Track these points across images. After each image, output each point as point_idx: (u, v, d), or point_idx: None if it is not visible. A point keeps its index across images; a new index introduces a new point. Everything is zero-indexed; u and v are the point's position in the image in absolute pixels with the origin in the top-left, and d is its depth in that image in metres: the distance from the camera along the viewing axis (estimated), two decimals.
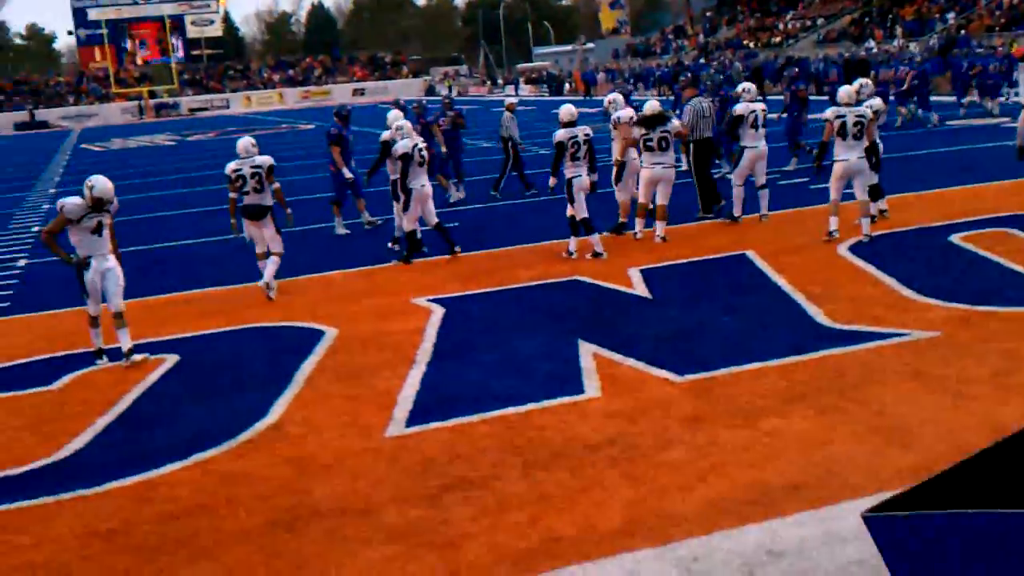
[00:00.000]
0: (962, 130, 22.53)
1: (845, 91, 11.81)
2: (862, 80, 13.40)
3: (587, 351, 8.05)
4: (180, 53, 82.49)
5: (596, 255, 11.60)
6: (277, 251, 10.98)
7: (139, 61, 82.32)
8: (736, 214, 13.12)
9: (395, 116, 13.08)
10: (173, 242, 15.50)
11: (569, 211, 11.75)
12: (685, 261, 11.26)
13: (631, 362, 7.71)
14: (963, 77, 27.50)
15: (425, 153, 11.97)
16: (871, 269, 10.09)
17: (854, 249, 11.06)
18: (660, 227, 12.33)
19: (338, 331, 9.31)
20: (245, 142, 11.25)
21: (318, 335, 9.17)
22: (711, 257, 11.37)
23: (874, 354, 7.51)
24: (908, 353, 7.47)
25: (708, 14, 70.92)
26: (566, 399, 7.00)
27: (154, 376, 8.39)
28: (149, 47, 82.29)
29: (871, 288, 9.43)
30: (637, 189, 12.76)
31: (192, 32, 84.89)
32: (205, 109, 72.92)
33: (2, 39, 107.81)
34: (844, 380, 6.96)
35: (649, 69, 54.88)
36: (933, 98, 25.73)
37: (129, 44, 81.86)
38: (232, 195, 11.16)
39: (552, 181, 11.88)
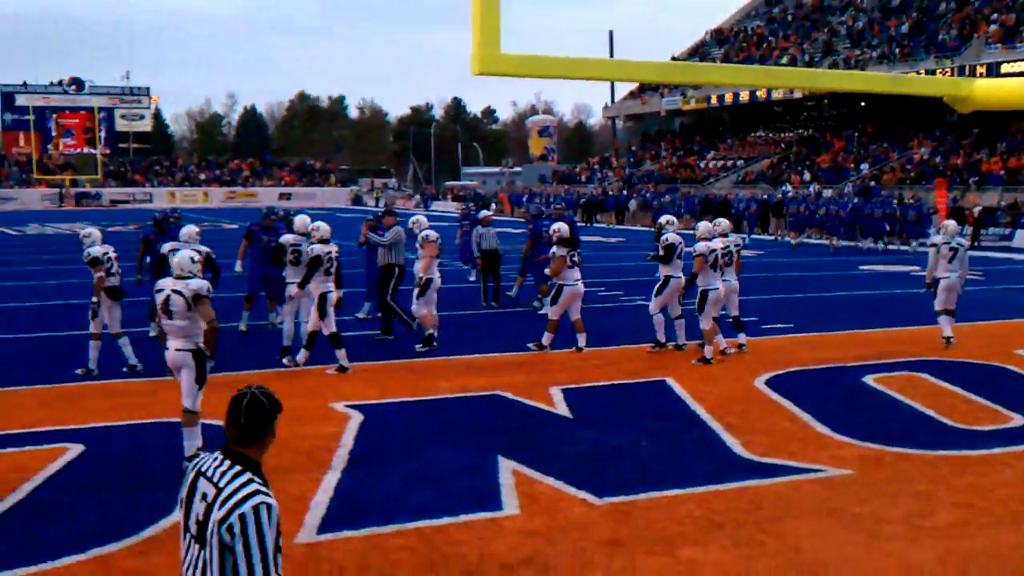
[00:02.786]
0: (876, 275, 23.31)
1: (704, 227, 12.91)
2: (719, 220, 14.00)
3: (507, 467, 7.96)
4: (104, 146, 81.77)
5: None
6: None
7: (62, 147, 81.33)
8: (661, 340, 13.24)
9: (304, 221, 12.93)
10: (82, 330, 15.04)
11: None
12: (606, 383, 11.30)
13: (551, 481, 7.63)
14: (875, 223, 28.93)
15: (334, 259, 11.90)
16: (787, 404, 10.24)
17: (771, 383, 11.22)
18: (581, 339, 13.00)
19: None
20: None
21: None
22: (631, 381, 11.43)
23: (790, 488, 7.55)
24: (823, 489, 7.53)
25: (633, 148, 73.08)
26: (483, 515, 6.87)
27: (56, 465, 8.03)
28: (75, 136, 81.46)
29: (787, 422, 9.55)
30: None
31: (121, 125, 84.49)
32: (127, 201, 72.07)
33: None
34: (761, 512, 6.97)
35: (572, 195, 56.00)
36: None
37: (54, 131, 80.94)
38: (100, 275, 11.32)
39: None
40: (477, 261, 18.21)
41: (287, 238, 12.79)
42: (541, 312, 16.46)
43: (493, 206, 61.26)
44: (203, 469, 3.43)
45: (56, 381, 11.29)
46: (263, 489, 3.31)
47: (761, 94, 57.07)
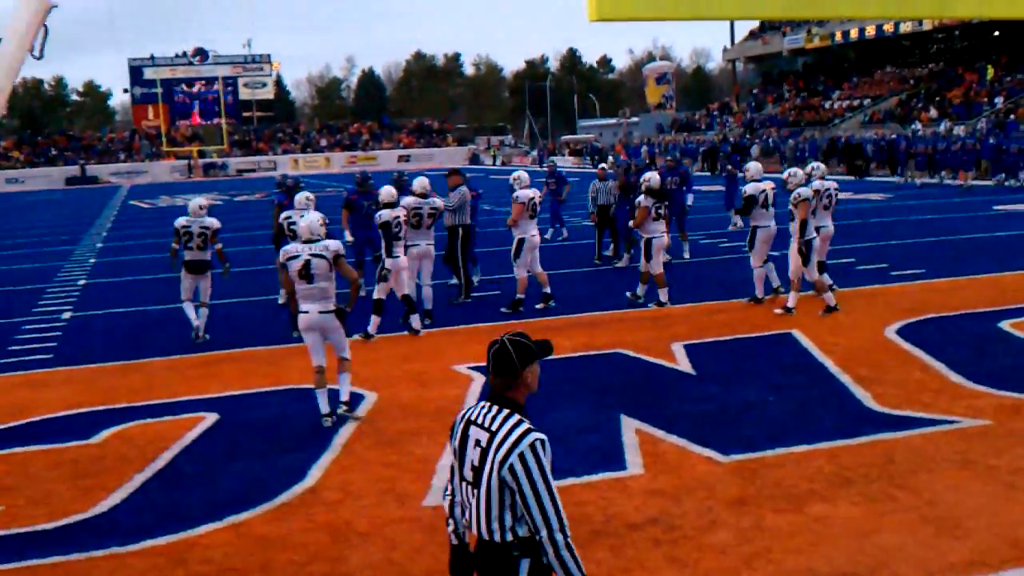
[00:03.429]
0: (1012, 215, 22.31)
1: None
2: (814, 164, 13.95)
3: (629, 426, 7.94)
4: (229, 116, 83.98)
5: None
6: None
7: (192, 121, 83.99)
8: (759, 295, 12.93)
9: (423, 183, 12.91)
10: (216, 300, 15.58)
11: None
12: (730, 338, 11.13)
13: (674, 439, 7.58)
14: (1011, 159, 27.63)
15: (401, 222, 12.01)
16: (919, 353, 9.92)
17: (902, 332, 10.89)
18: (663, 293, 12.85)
19: (378, 396, 9.27)
20: (194, 203, 12.43)
21: (358, 399, 9.12)
22: (756, 335, 11.24)
23: (924, 441, 7.33)
24: (958, 441, 7.29)
25: (754, 91, 71.33)
26: (608, 475, 6.88)
27: (192, 434, 8.36)
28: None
29: (920, 373, 9.25)
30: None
31: (244, 94, 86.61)
32: (252, 170, 74.02)
33: (59, 93, 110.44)
34: (893, 467, 6.79)
35: (691, 144, 55.09)
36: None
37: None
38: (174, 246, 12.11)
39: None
40: (592, 217, 17.82)
41: (408, 200, 12.74)
42: (618, 266, 16.40)
43: (610, 159, 60.67)
44: (472, 418, 3.63)
45: (186, 351, 11.72)
46: (532, 427, 3.50)
47: (888, 28, 54.87)
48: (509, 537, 3.47)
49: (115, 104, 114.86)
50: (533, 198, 13.03)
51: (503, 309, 13.17)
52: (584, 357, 10.47)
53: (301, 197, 12.93)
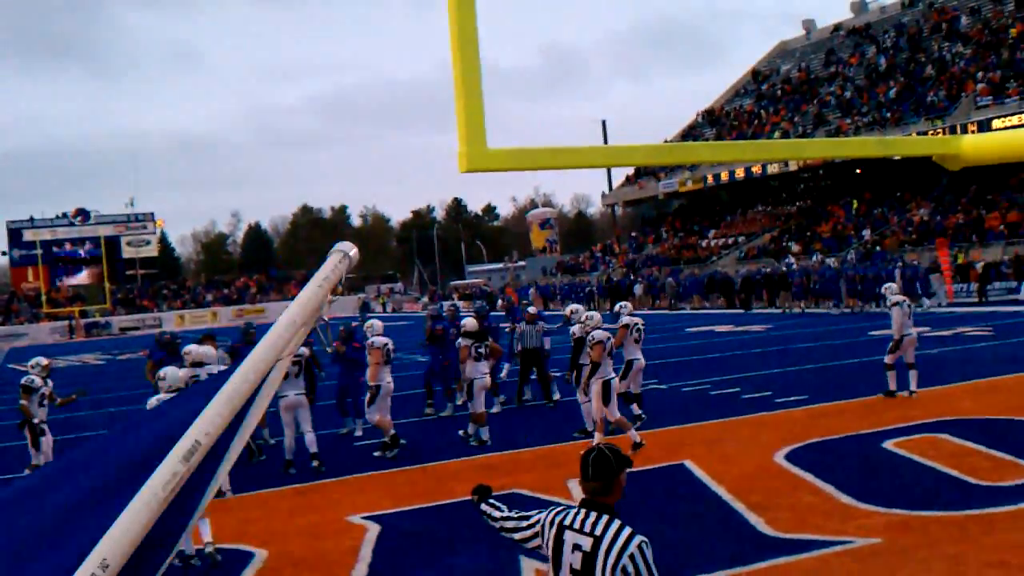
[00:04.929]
0: (886, 339, 23.13)
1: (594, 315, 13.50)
2: (621, 303, 15.43)
3: (529, 567, 7.82)
4: (111, 276, 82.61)
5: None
6: None
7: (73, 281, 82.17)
8: (587, 428, 13.25)
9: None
10: None
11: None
12: None
13: None
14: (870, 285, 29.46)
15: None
16: (809, 477, 10.09)
17: (790, 457, 11.09)
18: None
19: (268, 552, 8.95)
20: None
21: (247, 557, 8.79)
22: (650, 467, 11.30)
23: (819, 563, 7.41)
24: (852, 562, 7.38)
25: (633, 233, 73.57)
26: None
27: None
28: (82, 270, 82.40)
29: (810, 496, 9.40)
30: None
31: (128, 252, 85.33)
32: (137, 328, 72.43)
33: None
34: None
35: (577, 284, 56.22)
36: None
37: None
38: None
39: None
40: (516, 358, 17.51)
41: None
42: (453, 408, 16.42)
43: (500, 302, 61.47)
44: (566, 523, 3.84)
45: None
46: (634, 529, 3.75)
47: (756, 170, 57.62)
48: None
49: None
50: (387, 344, 13.28)
51: (375, 453, 13.12)
52: None
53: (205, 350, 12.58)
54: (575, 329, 13.65)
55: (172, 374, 9.50)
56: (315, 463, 12.45)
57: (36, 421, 11.94)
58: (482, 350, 13.62)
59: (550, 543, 3.85)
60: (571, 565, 3.75)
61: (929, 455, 10.56)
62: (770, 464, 10.90)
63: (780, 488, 9.78)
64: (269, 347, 2.49)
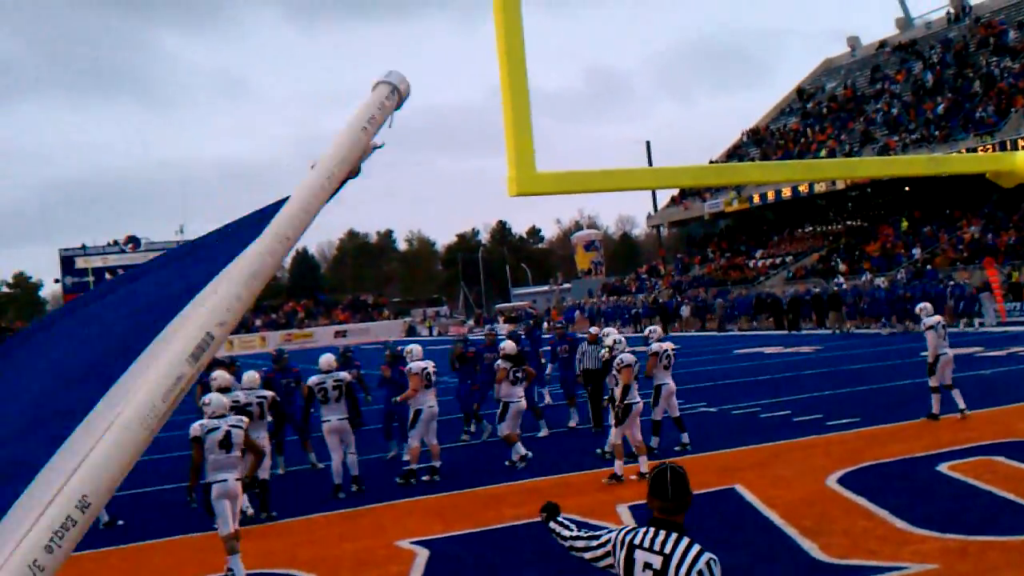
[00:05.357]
0: None
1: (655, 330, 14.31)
2: (651, 327, 15.50)
3: None
4: None
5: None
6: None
7: None
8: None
9: (328, 359, 13.33)
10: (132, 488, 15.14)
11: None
12: None
13: None
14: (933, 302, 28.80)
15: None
16: (862, 501, 9.94)
17: (843, 481, 10.93)
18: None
19: None
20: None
21: None
22: (700, 492, 11.16)
23: None
24: None
25: (679, 254, 73.26)
26: None
27: None
28: None
29: (864, 521, 9.26)
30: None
31: None
32: None
33: None
34: None
35: (622, 306, 56.00)
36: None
37: None
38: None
39: None
40: (578, 380, 17.11)
41: (314, 380, 12.99)
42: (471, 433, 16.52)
43: (545, 324, 61.35)
44: (636, 542, 3.94)
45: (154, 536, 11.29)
46: (703, 547, 3.85)
47: (803, 189, 57.14)
48: None
49: (46, 294, 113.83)
50: (426, 368, 13.14)
51: (397, 480, 13.08)
52: (528, 524, 10.28)
53: (252, 376, 12.76)
54: (604, 352, 13.58)
55: (217, 400, 9.59)
56: (355, 487, 12.62)
57: None
58: (520, 374, 13.78)
59: (621, 563, 3.92)
60: None
61: (985, 478, 10.36)
62: (823, 488, 10.75)
63: (833, 513, 9.64)
64: (304, 199, 2.31)
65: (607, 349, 13.01)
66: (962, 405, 14.29)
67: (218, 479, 8.92)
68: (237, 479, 9.05)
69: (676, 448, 13.70)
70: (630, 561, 3.89)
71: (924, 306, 15.60)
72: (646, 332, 15.07)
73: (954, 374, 14.87)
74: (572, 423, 17.00)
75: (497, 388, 14.05)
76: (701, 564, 3.75)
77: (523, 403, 13.92)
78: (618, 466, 12.14)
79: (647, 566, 3.82)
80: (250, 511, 11.49)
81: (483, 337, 18.11)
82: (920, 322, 15.26)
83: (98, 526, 11.70)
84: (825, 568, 7.90)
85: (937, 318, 15.10)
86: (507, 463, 13.46)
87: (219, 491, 8.88)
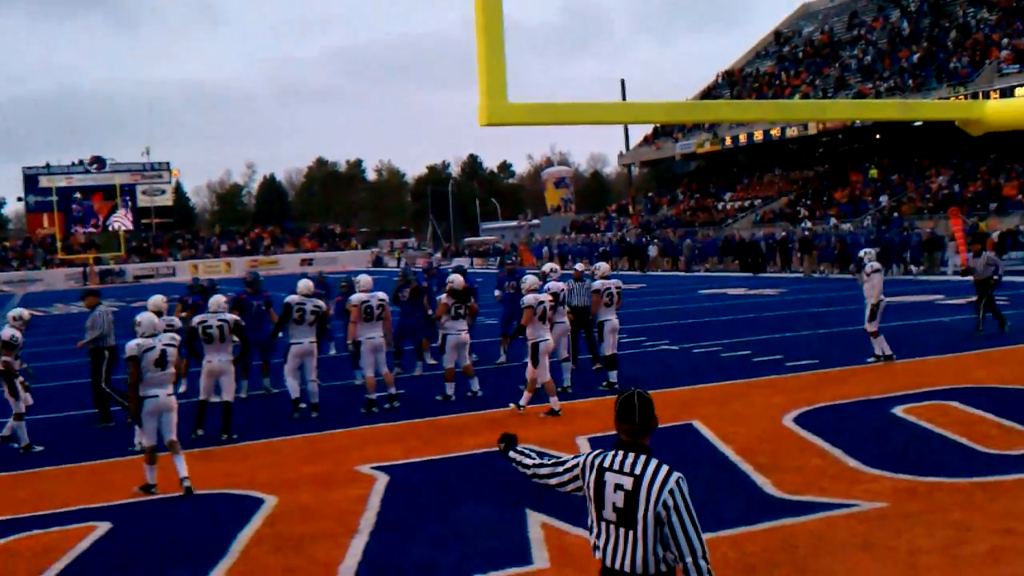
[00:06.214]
0: (901, 306, 23.09)
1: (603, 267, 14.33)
2: (598, 264, 15.11)
3: (535, 521, 7.88)
4: (129, 221, 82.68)
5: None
6: None
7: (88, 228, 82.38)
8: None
9: (308, 285, 13.32)
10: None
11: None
12: None
13: (580, 532, 7.52)
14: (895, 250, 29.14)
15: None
16: (817, 440, 10.11)
17: (799, 420, 11.10)
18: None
19: (278, 499, 9.04)
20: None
21: (257, 503, 8.88)
22: (659, 427, 11.30)
23: (825, 524, 7.44)
24: (858, 524, 7.41)
25: (650, 194, 73.28)
26: (513, 570, 6.80)
27: (83, 545, 8.01)
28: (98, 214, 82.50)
29: (818, 459, 9.42)
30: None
31: (143, 201, 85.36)
32: (151, 276, 72.71)
33: None
34: (796, 551, 6.87)
35: (591, 243, 56.09)
36: None
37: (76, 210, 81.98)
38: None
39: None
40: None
41: (294, 299, 12.98)
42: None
43: (511, 259, 61.34)
44: (605, 465, 4.02)
45: (79, 460, 11.30)
46: (671, 467, 3.97)
47: (775, 132, 57.18)
48: (663, 568, 3.93)
49: (8, 212, 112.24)
50: (367, 301, 13.03)
51: (361, 409, 13.04)
52: (489, 453, 10.38)
53: (219, 300, 12.55)
54: (549, 286, 13.63)
55: (148, 320, 9.69)
56: (314, 414, 12.78)
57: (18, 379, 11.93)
58: (461, 310, 13.62)
59: (591, 485, 4.01)
60: (614, 504, 3.93)
61: (938, 422, 10.57)
62: (779, 426, 10.92)
63: (788, 450, 9.80)
64: None
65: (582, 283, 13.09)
66: (888, 351, 14.73)
67: (149, 394, 9.31)
68: (169, 394, 9.47)
69: (602, 386, 13.83)
70: (600, 484, 3.99)
71: (868, 251, 15.70)
72: (591, 269, 14.93)
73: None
74: (501, 360, 16.98)
75: (438, 322, 14.10)
76: (672, 483, 3.90)
77: (463, 336, 13.61)
78: (554, 401, 12.31)
79: (618, 487, 3.93)
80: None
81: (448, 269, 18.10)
82: (863, 267, 15.32)
83: (18, 451, 11.66)
84: (778, 503, 8.06)
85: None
86: (437, 397, 13.54)
87: (150, 407, 9.32)
